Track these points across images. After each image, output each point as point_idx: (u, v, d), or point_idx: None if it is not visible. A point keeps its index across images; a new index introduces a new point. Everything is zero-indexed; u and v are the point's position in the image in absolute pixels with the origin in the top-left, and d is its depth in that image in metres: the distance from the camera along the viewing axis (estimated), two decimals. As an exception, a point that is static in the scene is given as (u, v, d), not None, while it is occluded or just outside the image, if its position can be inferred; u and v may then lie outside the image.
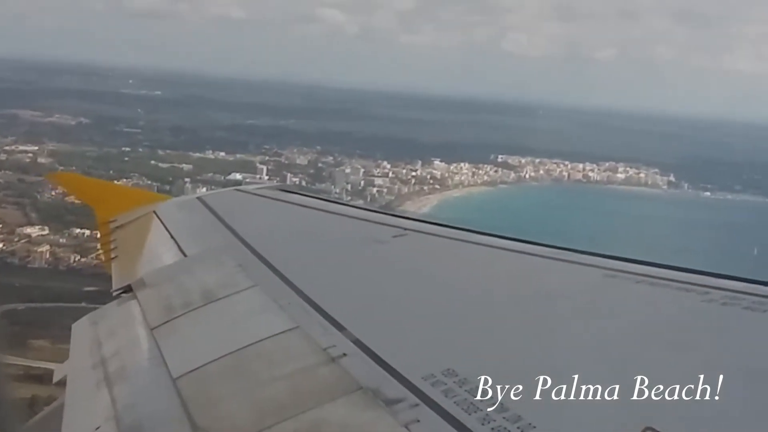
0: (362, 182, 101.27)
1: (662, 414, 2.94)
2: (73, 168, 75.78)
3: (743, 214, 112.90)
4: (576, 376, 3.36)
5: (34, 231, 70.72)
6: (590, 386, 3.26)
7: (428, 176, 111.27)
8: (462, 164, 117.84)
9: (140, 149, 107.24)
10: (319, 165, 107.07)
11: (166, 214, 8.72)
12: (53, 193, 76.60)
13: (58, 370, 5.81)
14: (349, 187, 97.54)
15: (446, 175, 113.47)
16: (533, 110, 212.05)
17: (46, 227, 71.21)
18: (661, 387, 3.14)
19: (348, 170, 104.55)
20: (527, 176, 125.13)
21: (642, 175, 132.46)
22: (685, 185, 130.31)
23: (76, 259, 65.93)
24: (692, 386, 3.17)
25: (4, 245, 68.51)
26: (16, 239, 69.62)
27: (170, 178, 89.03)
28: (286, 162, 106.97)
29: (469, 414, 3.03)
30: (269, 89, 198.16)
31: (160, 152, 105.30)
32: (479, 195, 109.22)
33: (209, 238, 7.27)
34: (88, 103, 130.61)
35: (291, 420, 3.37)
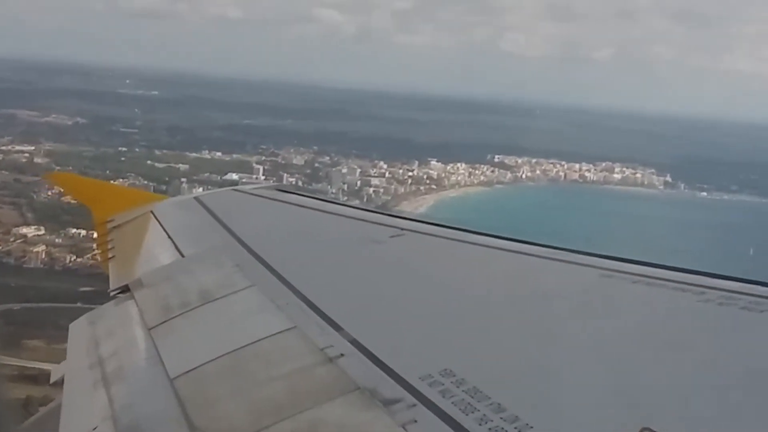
0: (359, 182, 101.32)
1: (659, 414, 2.95)
2: (70, 168, 75.86)
3: (740, 214, 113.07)
4: (573, 376, 3.37)
5: (30, 231, 70.72)
6: (587, 386, 3.27)
7: (425, 176, 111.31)
8: (459, 164, 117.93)
9: (137, 149, 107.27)
10: (316, 165, 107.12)
11: (163, 214, 8.72)
12: (49, 193, 76.60)
13: (56, 370, 5.81)
14: (345, 187, 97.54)
15: (443, 175, 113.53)
16: (530, 110, 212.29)
17: (42, 227, 71.21)
18: (658, 387, 3.15)
19: (344, 170, 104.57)
20: (524, 176, 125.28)
21: (638, 175, 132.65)
22: (682, 185, 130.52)
23: (72, 259, 65.96)
24: (689, 386, 3.18)
25: (0, 245, 68.45)
26: (12, 239, 69.60)
27: (167, 178, 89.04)
28: (283, 162, 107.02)
29: (467, 414, 3.03)
30: (266, 89, 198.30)
31: (157, 152, 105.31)
32: (476, 195, 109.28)
33: (207, 238, 7.27)
34: (86, 103, 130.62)
35: (288, 420, 3.37)
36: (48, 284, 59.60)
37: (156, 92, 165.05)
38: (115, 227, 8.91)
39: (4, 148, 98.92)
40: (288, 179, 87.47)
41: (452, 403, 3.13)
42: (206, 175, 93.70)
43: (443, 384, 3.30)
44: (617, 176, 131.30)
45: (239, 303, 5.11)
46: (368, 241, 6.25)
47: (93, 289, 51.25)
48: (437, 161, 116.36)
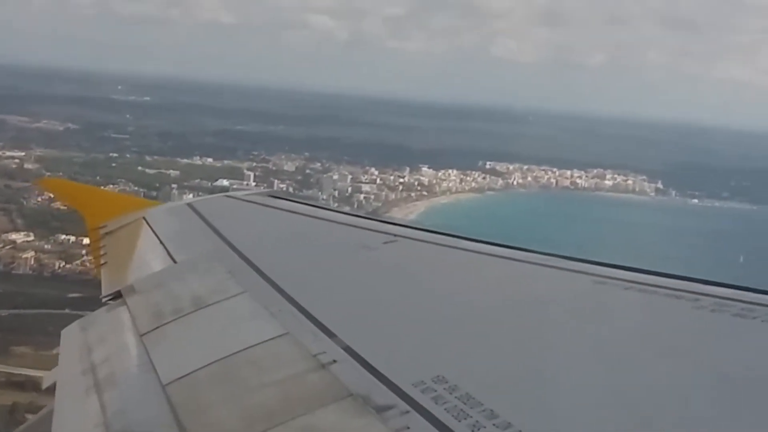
0: (349, 189, 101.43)
1: (654, 420, 2.96)
2: (60, 174, 75.82)
3: (731, 221, 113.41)
4: (566, 383, 3.38)
5: (19, 237, 70.65)
6: (580, 393, 3.27)
7: (416, 183, 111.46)
8: (450, 171, 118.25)
9: (128, 155, 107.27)
10: (307, 171, 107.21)
11: (155, 220, 8.70)
12: (39, 199, 76.62)
13: (48, 377, 5.79)
14: (336, 193, 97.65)
15: (434, 181, 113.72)
16: (522, 117, 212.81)
17: (31, 233, 71.16)
18: (652, 394, 3.16)
19: (335, 176, 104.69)
20: (515, 183, 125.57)
21: (630, 182, 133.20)
22: (673, 192, 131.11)
23: (61, 265, 65.89)
24: (683, 393, 3.19)
25: (-12, 252, 68.39)
26: (1, 245, 69.42)
27: (157, 184, 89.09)
28: (274, 168, 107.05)
29: (459, 421, 3.03)
30: (258, 95, 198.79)
31: (148, 158, 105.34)
32: (467, 202, 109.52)
33: (199, 245, 7.26)
34: (77, 109, 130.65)
35: (281, 426, 3.37)
36: (37, 290, 59.57)
37: (148, 98, 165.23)
38: (107, 233, 8.89)
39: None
40: (279, 185, 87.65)
41: (445, 409, 3.13)
42: (197, 181, 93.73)
43: (436, 390, 3.30)
44: (608, 183, 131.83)
45: (232, 309, 5.10)
46: (361, 248, 6.25)
47: (81, 295, 51.25)
48: (428, 168, 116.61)
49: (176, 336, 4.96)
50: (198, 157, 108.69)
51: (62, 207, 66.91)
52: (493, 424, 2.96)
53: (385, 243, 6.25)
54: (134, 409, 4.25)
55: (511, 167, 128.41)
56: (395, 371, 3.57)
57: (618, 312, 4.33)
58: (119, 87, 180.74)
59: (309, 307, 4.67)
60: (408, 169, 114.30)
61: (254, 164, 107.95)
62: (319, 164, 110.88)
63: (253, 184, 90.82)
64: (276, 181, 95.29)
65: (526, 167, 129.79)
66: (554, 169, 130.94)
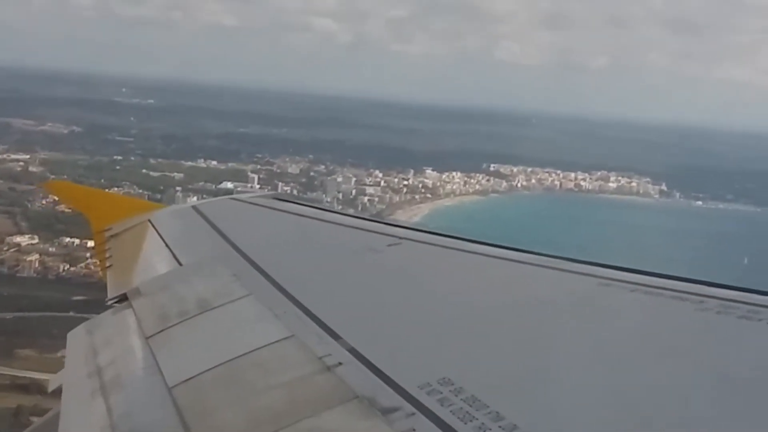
0: (353, 191, 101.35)
1: (659, 422, 2.96)
2: (65, 177, 75.74)
3: (735, 223, 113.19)
4: (571, 385, 3.38)
5: (24, 240, 70.74)
6: (586, 395, 3.27)
7: (420, 185, 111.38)
8: (454, 173, 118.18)
9: (132, 158, 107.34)
10: (311, 174, 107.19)
11: (161, 222, 8.71)
12: (44, 201, 76.72)
13: (54, 380, 5.80)
14: (340, 195, 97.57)
15: (438, 184, 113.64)
16: (525, 119, 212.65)
17: (36, 236, 71.24)
18: (658, 395, 3.16)
19: (339, 179, 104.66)
20: (519, 185, 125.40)
21: (634, 184, 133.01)
22: (677, 194, 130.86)
23: (66, 268, 65.95)
24: (689, 395, 3.19)
25: (-7, 255, 68.46)
26: (5, 248, 69.53)
27: (161, 187, 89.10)
28: (278, 171, 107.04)
29: (465, 423, 3.03)
30: (262, 98, 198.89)
31: (152, 161, 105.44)
32: (471, 204, 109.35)
33: (204, 247, 7.27)
34: (81, 112, 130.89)
35: (287, 429, 3.36)
36: (41, 293, 59.63)
37: (152, 101, 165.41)
38: (112, 236, 8.90)
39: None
40: (283, 188, 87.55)
41: (450, 411, 3.13)
42: (201, 183, 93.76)
43: (441, 392, 3.30)
44: (612, 185, 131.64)
45: (237, 312, 5.11)
46: (366, 250, 6.25)
47: (86, 298, 51.28)
48: (432, 170, 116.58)
49: (182, 339, 4.96)
50: (202, 160, 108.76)
51: (67, 210, 66.98)
52: (499, 426, 2.96)
53: (390, 245, 6.25)
54: (140, 411, 4.25)
55: (515, 169, 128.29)
56: (401, 373, 3.57)
57: (623, 314, 4.32)
58: (123, 90, 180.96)
59: (314, 310, 4.67)
60: (412, 171, 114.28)
61: (258, 167, 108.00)
62: (323, 167, 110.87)
63: (257, 186, 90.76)
64: (280, 183, 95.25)
65: (530, 169, 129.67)
66: (558, 172, 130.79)
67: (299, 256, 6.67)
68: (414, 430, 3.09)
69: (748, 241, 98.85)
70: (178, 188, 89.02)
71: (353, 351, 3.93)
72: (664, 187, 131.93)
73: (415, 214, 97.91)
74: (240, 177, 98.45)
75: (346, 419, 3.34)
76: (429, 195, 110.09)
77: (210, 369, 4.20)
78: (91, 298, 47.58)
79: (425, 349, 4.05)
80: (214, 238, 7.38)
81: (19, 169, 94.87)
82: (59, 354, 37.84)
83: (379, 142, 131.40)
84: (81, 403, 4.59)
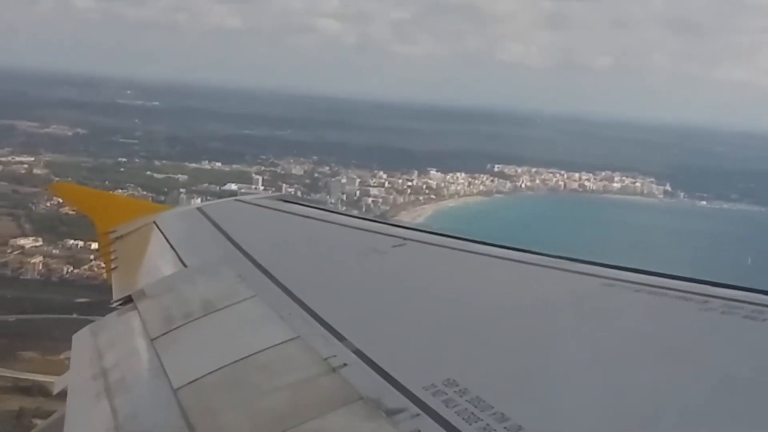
0: (357, 192, 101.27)
1: (663, 422, 2.96)
2: (69, 179, 75.85)
3: (739, 223, 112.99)
4: (576, 386, 3.38)
5: (27, 242, 70.80)
6: (590, 395, 3.28)
7: (424, 186, 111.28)
8: (458, 174, 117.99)
9: (136, 160, 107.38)
10: (315, 175, 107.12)
11: (166, 224, 8.72)
12: (48, 204, 76.79)
13: (59, 382, 5.81)
14: (344, 197, 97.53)
15: (442, 184, 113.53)
16: (529, 119, 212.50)
17: (39, 238, 71.30)
18: (662, 396, 3.16)
19: (344, 180, 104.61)
20: (523, 186, 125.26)
21: (638, 184, 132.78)
22: (681, 194, 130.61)
23: (69, 270, 65.95)
24: (693, 395, 3.19)
25: (-2, 257, 68.52)
26: (9, 250, 69.55)
27: (165, 189, 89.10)
28: (282, 172, 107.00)
29: (470, 424, 3.03)
30: (266, 99, 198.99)
31: (156, 163, 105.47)
32: (475, 205, 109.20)
33: (209, 249, 7.27)
34: (86, 114, 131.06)
35: (292, 430, 3.37)
36: (44, 295, 59.66)
37: (156, 102, 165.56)
38: (117, 238, 8.91)
39: (3, 159, 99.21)
40: (287, 189, 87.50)
41: (455, 412, 3.13)
42: (205, 185, 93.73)
43: (446, 394, 3.30)
44: (617, 185, 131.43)
45: (242, 313, 5.11)
46: (371, 251, 6.26)
47: (89, 300, 51.32)
48: (437, 171, 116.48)
49: (187, 340, 4.97)
50: (206, 162, 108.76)
51: (71, 212, 67.06)
52: (504, 427, 2.96)
53: (395, 246, 6.25)
54: (145, 413, 4.26)
55: (519, 170, 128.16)
56: (406, 374, 3.57)
57: (627, 314, 4.32)
58: (127, 92, 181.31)
59: (319, 311, 4.68)
60: (416, 172, 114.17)
61: (262, 168, 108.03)
62: (327, 168, 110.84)
63: (262, 188, 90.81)
64: (284, 185, 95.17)
65: (534, 170, 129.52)
66: (562, 172, 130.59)
67: (304, 258, 6.67)
68: (419, 431, 3.09)
69: (753, 240, 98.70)
70: (182, 190, 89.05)
71: (358, 352, 3.93)
72: (668, 187, 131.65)
73: (419, 215, 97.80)
74: (244, 179, 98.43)
75: (351, 420, 3.34)
76: (433, 196, 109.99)
77: (215, 371, 4.20)
78: (95, 300, 47.70)
79: (430, 350, 4.05)
80: (219, 240, 7.38)
81: (23, 171, 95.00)
82: (62, 356, 37.87)
83: (383, 143, 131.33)
84: (86, 405, 4.59)
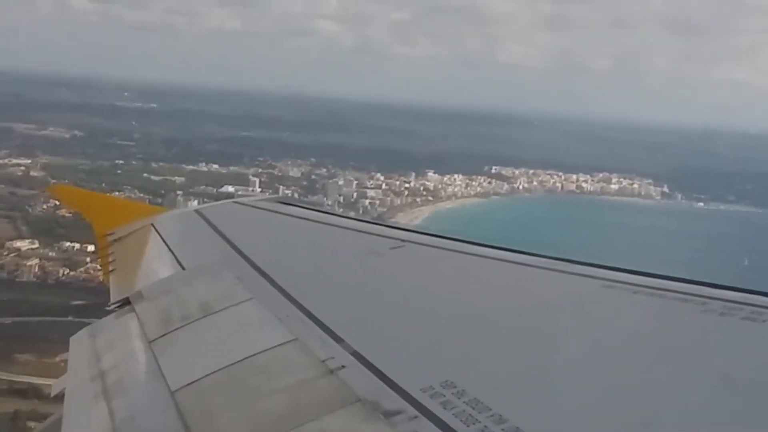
0: (354, 194, 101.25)
1: (661, 425, 2.96)
2: (66, 181, 75.80)
3: (737, 224, 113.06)
4: (574, 387, 3.38)
5: (24, 244, 70.66)
6: (588, 397, 3.28)
7: (421, 188, 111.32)
8: (456, 175, 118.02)
9: (134, 162, 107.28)
10: (313, 177, 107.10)
11: (164, 226, 8.72)
12: (45, 206, 76.74)
13: (56, 384, 5.80)
14: (341, 199, 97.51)
15: (439, 186, 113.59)
16: (527, 121, 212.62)
17: (36, 241, 71.15)
18: (661, 397, 3.16)
19: (341, 182, 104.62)
20: (521, 187, 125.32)
21: (635, 185, 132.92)
22: (679, 196, 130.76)
23: (65, 272, 65.88)
24: (692, 397, 3.19)
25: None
26: (5, 253, 69.49)
27: (162, 191, 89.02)
28: (279, 174, 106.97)
29: (468, 426, 3.03)
30: (264, 101, 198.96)
31: (154, 165, 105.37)
32: (472, 206, 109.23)
33: (207, 251, 7.27)
34: (84, 116, 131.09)
35: None
36: (40, 298, 59.64)
37: (154, 105, 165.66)
38: (116, 240, 8.91)
39: (0, 161, 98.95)
40: (284, 191, 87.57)
41: (453, 414, 3.13)
42: (202, 187, 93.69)
43: (444, 395, 3.30)
44: (614, 187, 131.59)
45: (240, 315, 5.11)
46: (369, 253, 6.25)
47: (85, 302, 51.31)
48: (434, 172, 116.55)
49: (185, 342, 4.96)
50: (203, 164, 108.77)
51: (67, 214, 67.14)
52: (502, 429, 2.96)
53: (393, 248, 6.25)
54: (143, 415, 4.26)
55: (516, 171, 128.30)
56: (403, 376, 3.57)
57: (626, 316, 4.32)
58: (125, 94, 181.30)
59: (317, 313, 4.67)
60: (413, 174, 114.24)
61: (260, 170, 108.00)
62: (324, 170, 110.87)
63: (259, 190, 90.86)
64: (281, 187, 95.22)
65: (531, 171, 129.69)
66: (560, 173, 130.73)
67: (302, 260, 6.67)
68: None
69: (750, 242, 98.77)
70: (179, 192, 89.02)
71: (356, 354, 3.93)
72: (665, 189, 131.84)
73: (416, 216, 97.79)
74: (241, 181, 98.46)
75: (348, 422, 3.34)
76: (430, 198, 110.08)
77: (213, 373, 4.20)
78: (90, 302, 47.65)
79: (428, 351, 4.05)
80: (217, 242, 7.38)
81: (20, 173, 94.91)
82: (58, 358, 37.92)
83: (380, 144, 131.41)
84: (84, 407, 4.59)
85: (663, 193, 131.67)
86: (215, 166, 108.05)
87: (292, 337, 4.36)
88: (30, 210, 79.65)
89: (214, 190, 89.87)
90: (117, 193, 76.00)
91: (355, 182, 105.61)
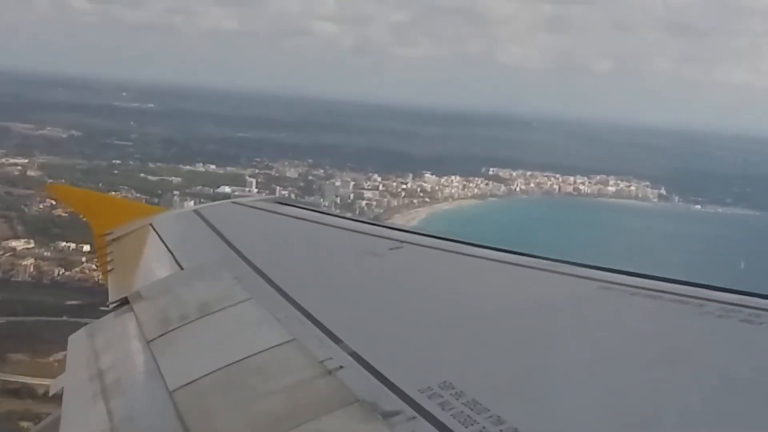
0: (351, 195, 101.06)
1: (660, 426, 2.97)
2: (63, 181, 75.61)
3: (734, 227, 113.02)
4: (572, 389, 3.39)
5: (19, 244, 70.46)
6: (586, 398, 3.28)
7: (418, 189, 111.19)
8: (453, 177, 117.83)
9: (131, 162, 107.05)
10: (310, 178, 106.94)
11: (162, 226, 8.71)
12: (41, 206, 76.55)
13: (54, 383, 5.80)
14: (338, 200, 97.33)
15: (436, 187, 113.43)
16: (525, 122, 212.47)
17: (31, 240, 70.93)
18: (659, 399, 3.17)
19: (338, 183, 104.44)
20: (518, 189, 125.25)
21: (633, 188, 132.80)
22: (676, 198, 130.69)
23: (60, 272, 65.69)
24: (690, 399, 3.19)
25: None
26: (1, 252, 69.32)
27: (159, 191, 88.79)
28: (276, 175, 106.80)
29: (466, 426, 3.03)
30: (262, 102, 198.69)
31: (151, 165, 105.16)
32: (469, 208, 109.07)
33: (206, 251, 7.27)
34: (81, 116, 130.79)
35: None
36: (35, 297, 59.43)
37: (152, 105, 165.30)
38: (114, 240, 8.91)
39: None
40: (281, 192, 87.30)
41: (451, 415, 3.14)
42: (199, 188, 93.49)
43: (442, 396, 3.30)
44: (611, 189, 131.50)
45: (238, 315, 5.11)
46: (367, 254, 6.26)
47: (80, 302, 51.20)
48: (431, 174, 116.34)
49: (183, 342, 4.96)
50: (201, 164, 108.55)
51: (63, 214, 67.04)
52: (500, 430, 2.96)
53: (392, 249, 6.25)
54: (141, 415, 4.26)
55: (514, 173, 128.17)
56: (402, 377, 3.57)
57: (624, 318, 4.33)
58: (123, 94, 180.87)
59: (315, 313, 4.68)
60: (411, 175, 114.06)
61: (257, 171, 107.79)
62: (321, 171, 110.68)
63: (255, 190, 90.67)
64: (278, 187, 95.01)
65: (529, 173, 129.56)
66: (557, 175, 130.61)
67: (300, 260, 6.67)
68: None
69: (748, 245, 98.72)
70: (175, 192, 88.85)
71: (354, 355, 3.93)
72: (663, 191, 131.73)
73: (413, 218, 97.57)
74: (238, 181, 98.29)
75: (347, 423, 3.35)
76: (427, 199, 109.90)
77: (211, 373, 4.20)
78: (86, 302, 47.51)
79: (426, 352, 4.05)
80: (216, 242, 7.38)
81: (17, 173, 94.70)
82: (51, 358, 37.81)
83: (378, 146, 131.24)
84: (82, 407, 4.59)
85: (660, 196, 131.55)
86: (212, 166, 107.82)
87: (291, 337, 4.36)
88: (26, 210, 79.42)
89: (211, 190, 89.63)
90: (114, 193, 75.67)
91: (352, 183, 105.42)
